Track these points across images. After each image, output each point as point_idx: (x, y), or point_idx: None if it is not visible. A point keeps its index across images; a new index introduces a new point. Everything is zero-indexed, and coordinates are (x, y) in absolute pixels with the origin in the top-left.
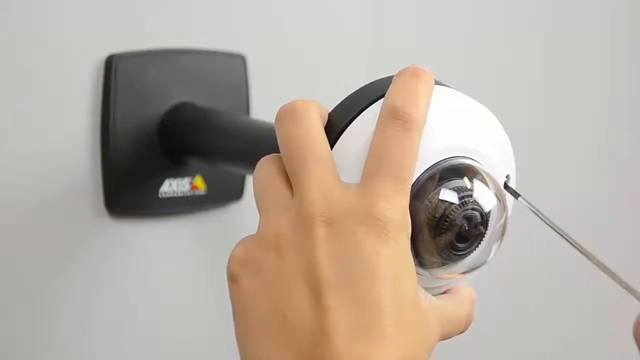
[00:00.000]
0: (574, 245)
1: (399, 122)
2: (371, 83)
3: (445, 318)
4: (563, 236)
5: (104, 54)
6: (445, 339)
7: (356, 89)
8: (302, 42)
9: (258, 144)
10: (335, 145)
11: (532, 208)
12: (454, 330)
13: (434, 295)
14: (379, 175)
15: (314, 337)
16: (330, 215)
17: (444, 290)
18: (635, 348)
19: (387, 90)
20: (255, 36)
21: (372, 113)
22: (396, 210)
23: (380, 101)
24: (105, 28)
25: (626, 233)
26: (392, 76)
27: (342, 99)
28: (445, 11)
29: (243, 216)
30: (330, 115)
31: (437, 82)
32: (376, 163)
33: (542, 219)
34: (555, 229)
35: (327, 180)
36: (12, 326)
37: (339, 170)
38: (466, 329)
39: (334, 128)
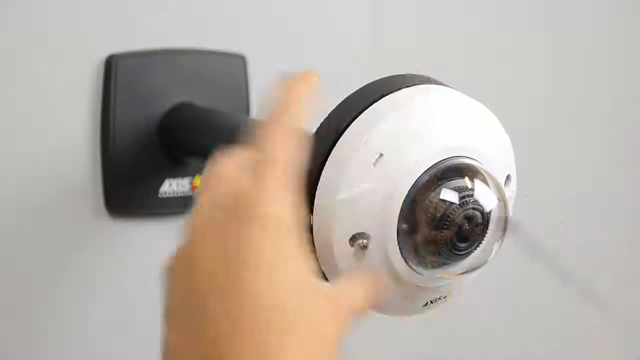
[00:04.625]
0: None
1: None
2: (360, 89)
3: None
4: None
5: (104, 54)
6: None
7: (355, 89)
8: (302, 42)
9: None
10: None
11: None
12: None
13: (435, 295)
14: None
15: (206, 351)
16: (212, 214)
17: (445, 290)
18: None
19: (376, 94)
20: (255, 36)
21: (361, 122)
22: (270, 204)
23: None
24: (105, 28)
25: (626, 233)
26: (386, 77)
27: (341, 100)
28: (445, 11)
29: None
30: (321, 125)
31: (437, 82)
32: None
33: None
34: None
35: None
36: (12, 326)
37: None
38: (367, 307)
39: (324, 141)
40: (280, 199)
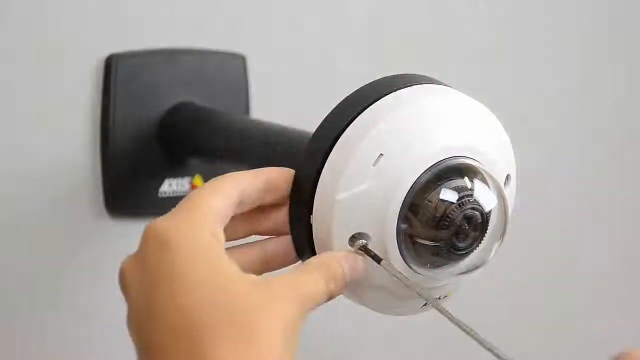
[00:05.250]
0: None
1: None
2: (360, 89)
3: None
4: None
5: (104, 54)
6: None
7: (355, 90)
8: (302, 42)
9: (258, 144)
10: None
11: (396, 274)
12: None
13: (435, 296)
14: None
15: None
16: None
17: (445, 290)
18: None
19: (376, 94)
20: (255, 36)
21: (361, 122)
22: (167, 224)
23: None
24: (105, 28)
25: (626, 233)
26: (386, 77)
27: (340, 101)
28: (445, 11)
29: None
30: (317, 130)
31: (437, 82)
32: None
33: (406, 285)
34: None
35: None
36: (12, 326)
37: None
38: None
39: (324, 141)
40: (181, 222)
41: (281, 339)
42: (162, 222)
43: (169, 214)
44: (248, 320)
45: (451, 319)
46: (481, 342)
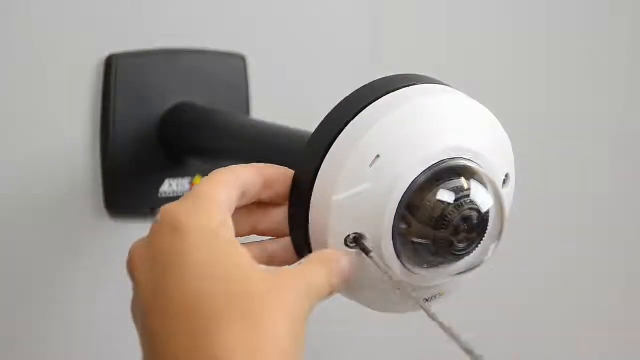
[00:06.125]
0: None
1: None
2: (359, 90)
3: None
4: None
5: (104, 54)
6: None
7: (354, 90)
8: (302, 42)
9: (258, 144)
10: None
11: (381, 267)
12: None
13: (430, 294)
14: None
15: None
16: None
17: (442, 289)
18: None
19: (374, 94)
20: (255, 36)
21: (359, 122)
22: (178, 211)
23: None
24: (105, 28)
25: (626, 232)
26: (385, 77)
27: (339, 101)
28: (445, 11)
29: None
30: (318, 128)
31: (437, 82)
32: None
33: (390, 278)
34: (397, 284)
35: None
36: (12, 326)
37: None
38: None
39: (322, 140)
40: (191, 208)
41: (288, 328)
42: (174, 207)
43: (178, 201)
44: (255, 308)
45: (433, 317)
46: (463, 345)
